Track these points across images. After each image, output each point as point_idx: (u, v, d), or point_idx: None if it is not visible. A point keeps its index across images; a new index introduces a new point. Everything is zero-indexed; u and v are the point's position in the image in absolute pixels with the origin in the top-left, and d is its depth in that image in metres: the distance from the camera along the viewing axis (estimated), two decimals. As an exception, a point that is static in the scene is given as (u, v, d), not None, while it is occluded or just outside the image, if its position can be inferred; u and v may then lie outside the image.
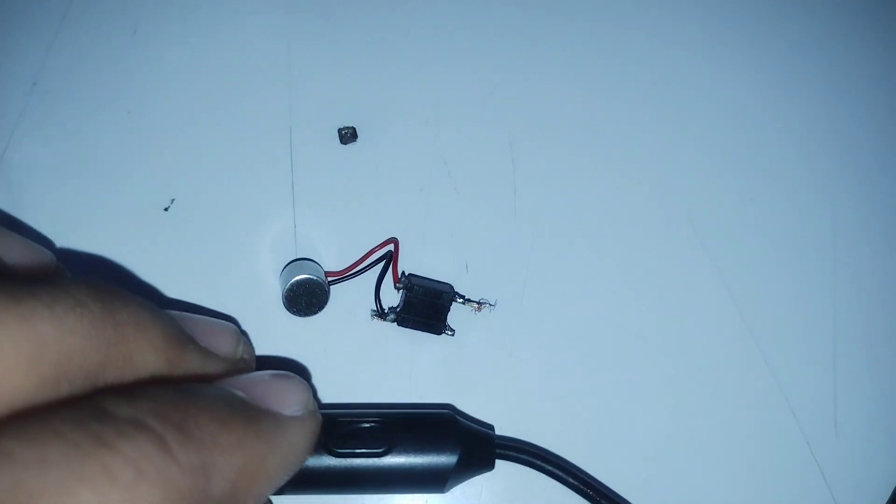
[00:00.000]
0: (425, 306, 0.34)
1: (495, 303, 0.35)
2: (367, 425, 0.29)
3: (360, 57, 0.38)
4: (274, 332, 0.34)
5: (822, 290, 0.36)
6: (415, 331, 0.34)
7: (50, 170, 0.36)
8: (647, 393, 0.35)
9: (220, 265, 0.35)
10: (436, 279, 0.35)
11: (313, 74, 0.37)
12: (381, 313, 0.34)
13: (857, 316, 0.36)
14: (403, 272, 0.35)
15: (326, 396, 0.34)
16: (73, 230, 0.35)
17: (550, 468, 0.31)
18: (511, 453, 0.31)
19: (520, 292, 0.36)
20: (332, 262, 0.35)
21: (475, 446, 0.30)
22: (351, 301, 0.35)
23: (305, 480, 0.29)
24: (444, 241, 0.36)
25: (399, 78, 0.38)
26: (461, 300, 0.35)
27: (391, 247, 0.35)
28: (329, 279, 0.34)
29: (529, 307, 0.35)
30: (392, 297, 0.35)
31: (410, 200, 0.36)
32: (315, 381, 0.35)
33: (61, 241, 0.35)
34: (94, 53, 0.37)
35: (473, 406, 0.35)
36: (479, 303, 0.35)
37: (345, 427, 0.29)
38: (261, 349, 0.35)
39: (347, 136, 0.37)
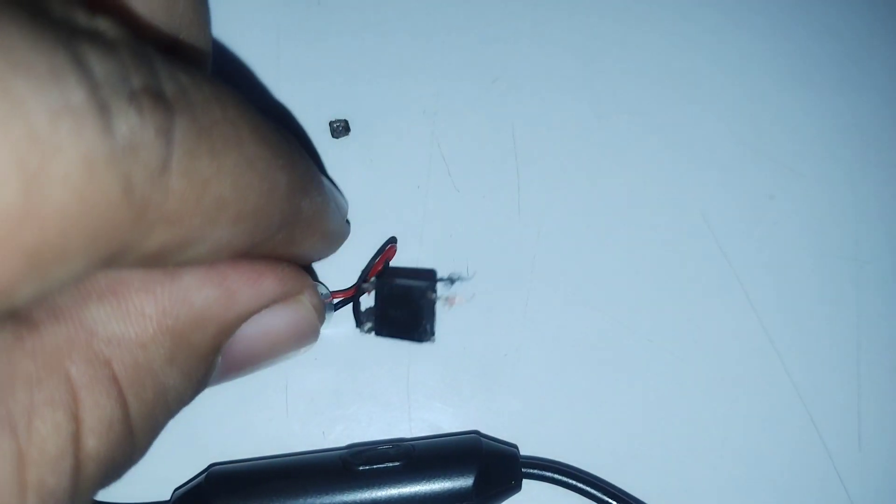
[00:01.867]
0: (402, 308, 0.29)
1: (472, 297, 0.32)
2: (386, 448, 0.30)
3: (352, 45, 0.35)
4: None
5: (845, 294, 0.34)
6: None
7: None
8: (661, 402, 0.33)
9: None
10: (420, 269, 0.33)
11: (303, 63, 0.35)
12: (358, 322, 0.31)
13: (882, 322, 0.34)
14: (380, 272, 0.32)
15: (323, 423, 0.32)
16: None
17: (581, 485, 0.30)
18: (537, 471, 0.30)
19: (524, 295, 0.33)
20: (324, 263, 0.33)
21: (499, 465, 0.30)
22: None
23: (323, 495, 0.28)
24: (443, 242, 0.34)
25: (394, 67, 0.35)
26: (434, 295, 0.29)
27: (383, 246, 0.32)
28: (335, 301, 0.31)
29: (535, 310, 0.33)
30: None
31: (407, 198, 0.34)
32: (305, 409, 0.33)
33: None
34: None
35: (475, 418, 0.33)
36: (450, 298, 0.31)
37: (367, 451, 0.30)
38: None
39: (339, 129, 0.34)
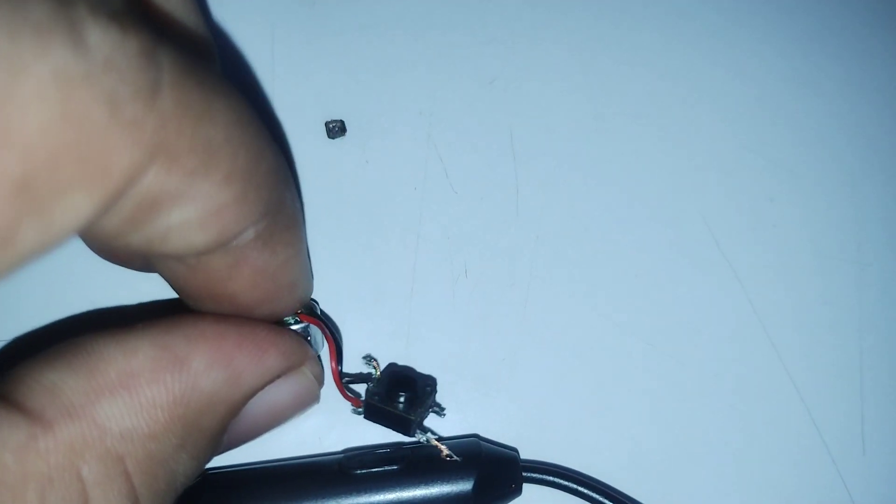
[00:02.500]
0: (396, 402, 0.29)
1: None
2: (384, 451, 0.29)
3: (348, 44, 0.35)
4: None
5: (847, 296, 0.33)
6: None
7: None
8: (662, 406, 0.32)
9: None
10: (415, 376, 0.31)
11: (298, 63, 0.35)
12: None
13: (885, 325, 0.33)
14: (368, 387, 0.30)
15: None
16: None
17: (582, 489, 0.29)
18: (538, 475, 0.30)
19: (523, 298, 0.33)
20: (319, 265, 0.33)
21: (498, 469, 0.29)
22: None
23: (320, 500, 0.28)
24: (440, 244, 0.33)
25: (391, 67, 0.35)
26: (422, 435, 0.29)
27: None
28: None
29: (533, 314, 0.33)
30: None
31: (404, 200, 0.34)
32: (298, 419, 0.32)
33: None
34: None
35: (474, 421, 0.32)
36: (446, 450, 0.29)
37: (363, 455, 0.29)
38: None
39: (335, 129, 0.34)
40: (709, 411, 0.32)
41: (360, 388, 0.30)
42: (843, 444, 0.32)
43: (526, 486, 0.29)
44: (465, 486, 0.28)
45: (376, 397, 0.29)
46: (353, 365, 0.32)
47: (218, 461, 0.30)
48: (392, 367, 0.31)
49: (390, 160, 0.34)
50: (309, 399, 0.25)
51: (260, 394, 0.22)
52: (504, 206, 0.34)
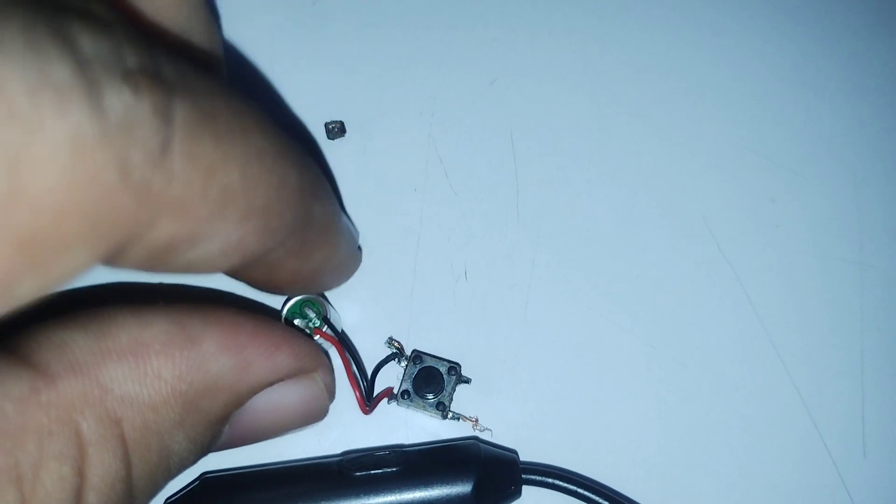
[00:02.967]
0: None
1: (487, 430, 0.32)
2: (383, 454, 0.29)
3: (349, 45, 0.35)
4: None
5: (849, 298, 0.33)
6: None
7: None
8: (663, 408, 0.32)
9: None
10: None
11: (298, 64, 0.35)
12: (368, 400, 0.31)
13: (886, 327, 0.33)
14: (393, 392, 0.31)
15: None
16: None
17: (582, 491, 0.29)
18: (537, 477, 0.29)
19: (523, 300, 0.33)
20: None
21: (498, 471, 0.29)
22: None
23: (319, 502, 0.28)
24: (440, 246, 0.33)
25: (391, 68, 0.35)
26: (456, 416, 0.31)
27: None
28: (325, 328, 0.30)
29: (534, 316, 0.33)
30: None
31: (404, 201, 0.34)
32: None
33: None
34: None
35: (471, 425, 0.32)
36: (475, 420, 0.31)
37: (362, 458, 0.29)
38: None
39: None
40: (709, 413, 0.32)
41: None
42: (843, 446, 0.32)
43: (525, 489, 0.29)
44: (464, 487, 0.28)
45: (405, 399, 0.31)
46: (370, 352, 0.32)
47: (218, 463, 0.30)
48: (416, 355, 0.31)
49: (390, 161, 0.34)
50: (316, 408, 0.25)
51: (267, 392, 0.22)
52: (505, 207, 0.34)
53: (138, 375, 0.18)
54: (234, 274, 0.21)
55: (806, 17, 0.36)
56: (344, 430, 0.32)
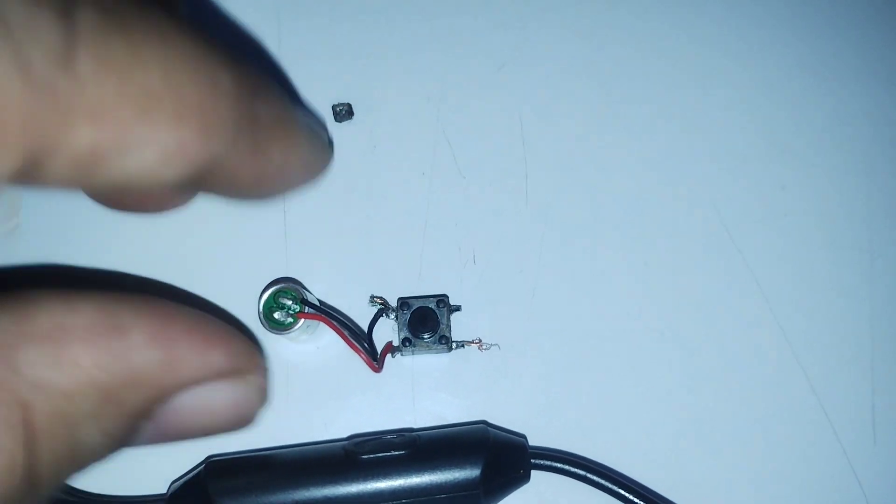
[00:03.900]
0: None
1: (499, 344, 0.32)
2: (391, 437, 0.29)
3: (356, 27, 0.35)
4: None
5: (858, 286, 0.33)
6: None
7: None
8: (672, 395, 0.32)
9: (200, 259, 0.32)
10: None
11: (306, 46, 0.34)
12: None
13: (897, 313, 0.33)
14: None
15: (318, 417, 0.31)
16: (45, 220, 0.32)
17: (591, 476, 0.29)
18: (546, 462, 0.29)
19: (531, 285, 0.33)
20: (325, 251, 0.32)
21: (507, 455, 0.29)
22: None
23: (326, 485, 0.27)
24: (448, 230, 0.33)
25: (399, 50, 0.34)
26: (460, 344, 0.31)
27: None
28: (306, 308, 0.30)
29: (542, 301, 0.32)
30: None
31: (411, 185, 0.33)
32: (306, 401, 0.32)
33: (34, 230, 0.32)
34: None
35: (482, 408, 0.32)
36: (479, 341, 0.32)
37: (369, 441, 0.29)
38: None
39: (342, 113, 0.33)
40: (719, 401, 0.32)
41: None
42: (853, 434, 0.32)
43: (534, 474, 0.29)
44: (472, 471, 0.28)
45: (407, 346, 0.30)
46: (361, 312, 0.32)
47: (220, 446, 0.30)
48: (403, 302, 0.31)
49: (398, 145, 0.34)
50: (246, 413, 0.23)
51: (196, 391, 0.21)
52: (513, 192, 0.33)
53: (54, 360, 0.18)
54: (199, 188, 0.20)
55: (817, 3, 0.36)
56: (350, 415, 0.31)
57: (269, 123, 0.20)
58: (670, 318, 0.33)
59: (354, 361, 0.30)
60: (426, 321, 0.31)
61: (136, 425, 0.20)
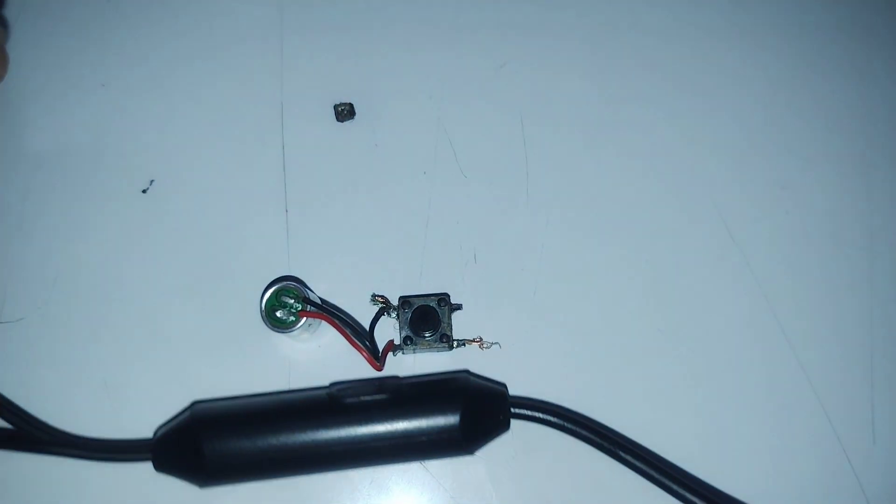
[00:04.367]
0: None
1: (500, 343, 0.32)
2: (374, 383, 0.29)
3: (358, 28, 0.35)
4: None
5: (858, 285, 0.33)
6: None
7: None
8: (670, 393, 0.32)
9: (204, 258, 0.32)
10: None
11: (307, 46, 0.34)
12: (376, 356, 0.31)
13: (897, 312, 0.33)
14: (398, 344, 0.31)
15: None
16: (45, 213, 0.32)
17: (571, 426, 0.29)
18: (526, 411, 0.29)
19: (532, 283, 0.33)
20: (327, 249, 0.33)
21: (486, 402, 0.29)
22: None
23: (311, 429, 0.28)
24: (450, 228, 0.33)
25: (400, 50, 0.35)
26: (460, 342, 0.31)
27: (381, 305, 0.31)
28: (308, 307, 0.30)
29: (542, 299, 0.33)
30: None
31: (413, 184, 0.33)
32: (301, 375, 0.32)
33: (33, 224, 0.32)
34: (66, 19, 0.34)
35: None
36: (479, 340, 0.32)
37: (352, 386, 0.29)
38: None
39: (344, 112, 0.34)
40: (718, 397, 0.32)
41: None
42: (853, 432, 0.32)
43: (517, 425, 0.29)
44: (452, 415, 0.28)
45: (409, 345, 0.31)
46: (363, 311, 0.32)
47: (206, 393, 0.30)
48: (404, 301, 0.31)
49: (399, 144, 0.34)
50: None
51: None
52: (514, 190, 0.34)
53: None
54: None
55: (817, 4, 0.36)
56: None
57: None
58: (671, 315, 0.33)
59: (356, 359, 0.30)
60: (427, 320, 0.31)
61: None
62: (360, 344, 0.30)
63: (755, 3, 0.36)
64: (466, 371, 0.31)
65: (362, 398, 0.28)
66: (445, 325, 0.31)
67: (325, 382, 0.31)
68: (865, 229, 0.34)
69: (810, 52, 0.35)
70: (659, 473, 0.28)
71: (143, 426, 0.30)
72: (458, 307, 0.32)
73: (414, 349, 0.31)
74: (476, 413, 0.28)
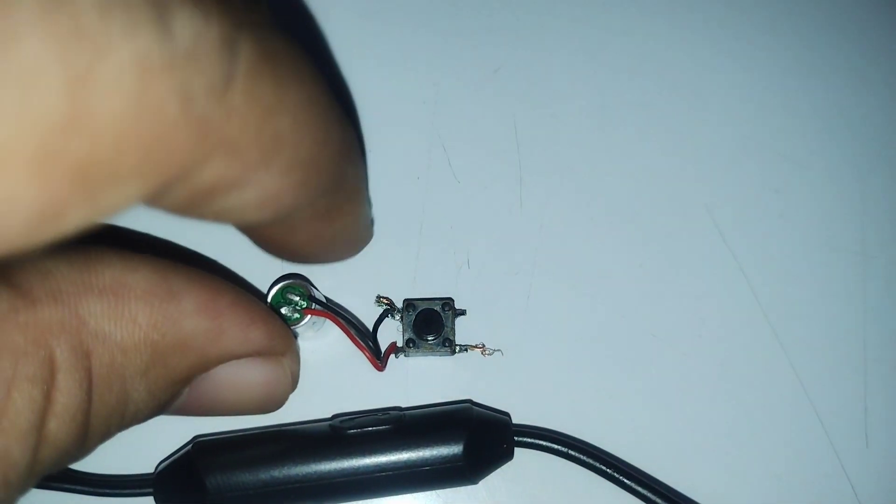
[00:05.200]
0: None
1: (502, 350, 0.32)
2: (376, 414, 0.30)
3: (351, 32, 0.35)
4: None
5: (852, 289, 0.33)
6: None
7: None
8: (664, 399, 0.32)
9: (211, 254, 0.32)
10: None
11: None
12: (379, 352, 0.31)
13: (889, 318, 0.33)
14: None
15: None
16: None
17: (575, 454, 0.29)
18: (529, 440, 0.29)
19: (526, 289, 0.33)
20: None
21: (490, 431, 0.29)
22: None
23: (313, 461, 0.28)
24: (443, 234, 0.33)
25: (394, 55, 0.35)
26: (463, 349, 0.32)
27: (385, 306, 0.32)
28: (313, 305, 0.30)
29: (536, 305, 0.33)
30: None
31: (406, 189, 0.34)
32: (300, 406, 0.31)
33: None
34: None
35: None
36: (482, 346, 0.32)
37: (355, 417, 0.29)
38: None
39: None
40: (711, 402, 0.32)
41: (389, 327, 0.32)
42: (846, 436, 0.32)
43: (519, 452, 0.30)
44: (456, 445, 0.28)
45: (411, 347, 0.31)
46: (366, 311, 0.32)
47: (207, 428, 0.30)
48: (408, 303, 0.31)
49: (393, 149, 0.34)
50: (278, 393, 0.24)
51: (233, 364, 0.22)
52: (508, 195, 0.34)
53: (115, 315, 0.18)
54: (253, 230, 0.20)
55: (810, 6, 0.36)
56: (342, 398, 0.31)
57: (348, 190, 0.20)
58: (664, 320, 0.33)
59: (359, 361, 0.30)
60: (431, 323, 0.31)
61: (179, 390, 0.21)
62: (363, 344, 0.30)
63: (749, 6, 0.36)
64: (469, 401, 0.31)
65: (365, 429, 0.28)
66: (449, 329, 0.31)
67: (329, 383, 0.31)
68: (859, 233, 0.34)
69: (804, 56, 0.35)
70: (662, 500, 0.29)
71: (145, 461, 0.30)
72: (462, 312, 0.32)
73: (416, 352, 0.31)
74: (480, 443, 0.29)
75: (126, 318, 0.18)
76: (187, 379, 0.21)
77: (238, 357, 0.22)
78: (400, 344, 0.31)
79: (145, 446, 0.30)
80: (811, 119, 0.35)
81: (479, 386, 0.32)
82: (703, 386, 0.32)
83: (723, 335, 0.33)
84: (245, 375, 0.22)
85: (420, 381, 0.32)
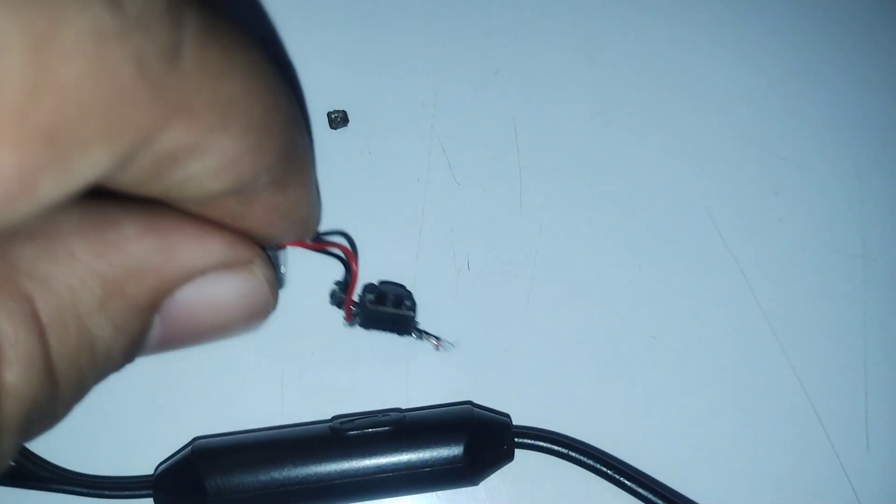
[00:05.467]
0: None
1: (455, 344, 0.32)
2: (376, 416, 0.30)
3: (351, 34, 0.35)
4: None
5: (851, 291, 0.33)
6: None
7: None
8: (664, 400, 0.32)
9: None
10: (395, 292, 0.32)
11: (300, 52, 0.34)
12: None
13: (889, 320, 0.33)
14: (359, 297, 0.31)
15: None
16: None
17: (575, 455, 0.29)
18: (529, 441, 0.30)
19: (526, 291, 0.33)
20: (319, 255, 0.33)
21: (490, 433, 0.29)
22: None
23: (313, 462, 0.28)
24: (443, 236, 0.33)
25: (394, 58, 0.35)
26: (416, 335, 0.31)
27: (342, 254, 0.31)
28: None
29: (536, 307, 0.33)
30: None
31: (406, 191, 0.34)
32: (300, 406, 0.32)
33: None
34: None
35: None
36: (437, 339, 0.32)
37: (354, 419, 0.29)
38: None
39: (337, 120, 0.34)
40: (712, 405, 0.32)
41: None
42: (846, 438, 0.32)
43: (519, 453, 0.30)
44: (456, 446, 0.28)
45: (369, 303, 0.31)
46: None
47: (210, 427, 0.30)
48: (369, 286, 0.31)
49: (393, 151, 0.34)
50: (258, 303, 0.22)
51: (199, 282, 0.20)
52: (507, 197, 0.34)
53: (50, 254, 0.17)
54: (213, 208, 0.20)
55: (810, 8, 0.36)
56: (342, 399, 0.31)
57: (299, 161, 0.21)
58: (664, 322, 0.33)
59: (358, 360, 0.30)
60: (396, 298, 0.31)
61: (146, 320, 0.20)
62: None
63: (749, 8, 0.36)
64: (469, 402, 0.31)
65: (365, 431, 0.28)
66: (410, 308, 0.31)
67: (326, 386, 0.31)
68: (859, 236, 0.34)
69: (805, 57, 0.36)
70: (662, 501, 0.29)
71: (144, 462, 0.30)
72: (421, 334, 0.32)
73: (374, 309, 0.31)
74: (480, 444, 0.29)
75: (62, 254, 0.17)
76: (151, 305, 0.20)
77: (201, 272, 0.20)
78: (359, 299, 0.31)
79: (145, 447, 0.30)
80: (811, 121, 0.35)
81: (479, 387, 0.32)
82: (704, 388, 0.32)
83: (723, 337, 0.33)
84: (215, 291, 0.21)
85: (420, 383, 0.32)
